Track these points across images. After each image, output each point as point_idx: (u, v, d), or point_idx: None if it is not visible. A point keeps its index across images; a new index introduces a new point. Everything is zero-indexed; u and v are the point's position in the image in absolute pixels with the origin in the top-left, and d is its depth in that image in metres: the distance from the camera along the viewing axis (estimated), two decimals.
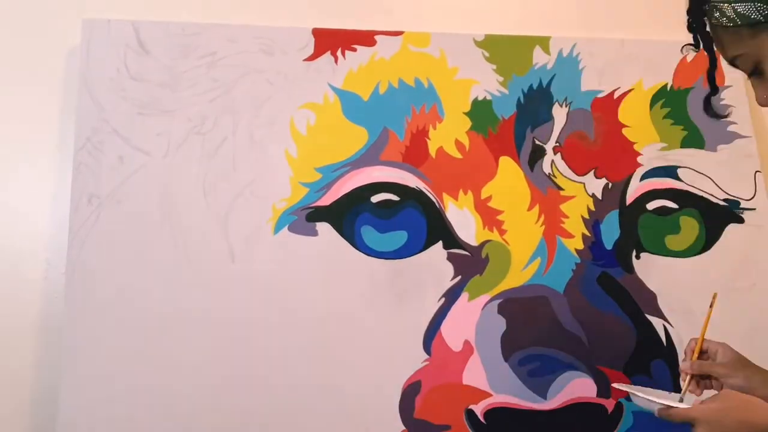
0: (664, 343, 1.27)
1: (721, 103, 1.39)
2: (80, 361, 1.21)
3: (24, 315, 1.28)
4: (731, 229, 1.34)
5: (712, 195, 1.36)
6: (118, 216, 1.26)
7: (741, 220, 1.35)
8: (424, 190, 1.30)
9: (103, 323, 1.22)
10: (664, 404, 0.88)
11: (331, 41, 1.35)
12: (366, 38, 1.36)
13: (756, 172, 1.38)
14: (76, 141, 1.28)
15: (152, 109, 1.30)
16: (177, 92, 1.31)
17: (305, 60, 1.34)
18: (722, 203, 1.35)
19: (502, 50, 1.38)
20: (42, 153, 1.33)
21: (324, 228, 1.28)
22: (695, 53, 0.90)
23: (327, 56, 1.35)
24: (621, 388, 0.99)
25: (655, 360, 1.26)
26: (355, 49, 1.35)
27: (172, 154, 1.29)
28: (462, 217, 1.30)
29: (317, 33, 1.35)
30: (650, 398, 0.91)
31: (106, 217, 1.25)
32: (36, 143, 1.33)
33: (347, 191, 1.30)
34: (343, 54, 1.35)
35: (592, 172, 1.33)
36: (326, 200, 1.29)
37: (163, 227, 1.26)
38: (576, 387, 1.24)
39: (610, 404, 1.23)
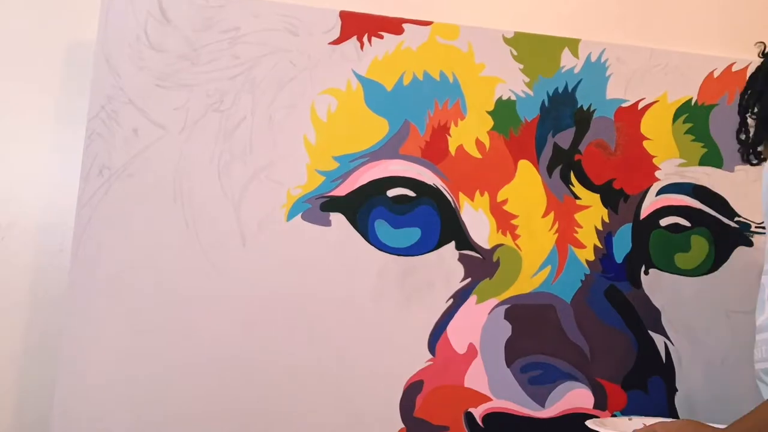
0: (663, 360, 1.29)
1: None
2: (80, 334, 1.20)
3: (26, 285, 1.26)
4: (739, 252, 1.35)
5: (725, 216, 1.36)
6: (129, 190, 1.23)
7: (750, 244, 1.35)
8: (441, 188, 1.29)
9: (106, 297, 1.21)
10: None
11: (358, 26, 1.31)
12: (394, 26, 1.32)
13: None
14: (89, 108, 1.24)
15: (170, 82, 1.26)
16: (197, 66, 1.27)
17: (330, 43, 1.30)
18: (733, 225, 1.36)
19: (531, 50, 1.35)
20: (53, 119, 1.30)
21: (337, 218, 1.27)
22: None
23: (353, 41, 1.31)
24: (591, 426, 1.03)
25: (652, 377, 1.28)
26: (381, 36, 1.32)
27: (188, 130, 1.25)
28: (477, 219, 1.29)
29: (344, 16, 1.31)
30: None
31: (117, 190, 1.23)
32: (48, 108, 1.30)
33: (363, 183, 1.28)
34: (369, 40, 1.31)
35: (609, 183, 1.33)
36: (342, 190, 1.27)
37: (175, 205, 1.24)
38: (574, 397, 1.25)
39: (605, 416, 1.25)
